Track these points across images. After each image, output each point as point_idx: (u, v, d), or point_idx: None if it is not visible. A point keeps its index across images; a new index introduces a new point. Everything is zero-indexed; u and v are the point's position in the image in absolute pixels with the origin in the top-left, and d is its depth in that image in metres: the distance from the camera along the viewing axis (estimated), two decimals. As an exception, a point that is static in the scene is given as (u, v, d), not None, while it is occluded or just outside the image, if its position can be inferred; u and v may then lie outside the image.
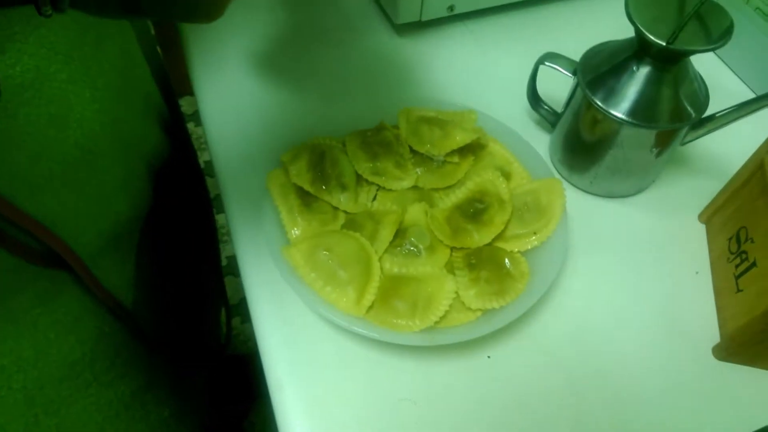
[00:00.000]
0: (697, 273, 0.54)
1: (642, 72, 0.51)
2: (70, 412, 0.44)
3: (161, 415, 0.56)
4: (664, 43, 0.46)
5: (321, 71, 0.68)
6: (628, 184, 0.58)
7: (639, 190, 0.59)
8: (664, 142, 0.53)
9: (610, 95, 0.52)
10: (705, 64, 0.64)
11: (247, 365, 1.30)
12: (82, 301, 0.42)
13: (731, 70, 0.70)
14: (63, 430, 0.44)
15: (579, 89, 0.54)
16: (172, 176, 0.54)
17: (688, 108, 0.51)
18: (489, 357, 0.48)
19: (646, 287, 0.53)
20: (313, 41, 0.71)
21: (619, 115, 0.51)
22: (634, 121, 0.51)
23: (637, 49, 0.50)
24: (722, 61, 0.71)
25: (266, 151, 0.58)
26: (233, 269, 1.51)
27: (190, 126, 1.80)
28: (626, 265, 0.54)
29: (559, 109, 0.60)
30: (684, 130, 0.53)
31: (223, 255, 1.51)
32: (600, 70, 0.53)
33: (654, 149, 0.54)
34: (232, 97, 0.65)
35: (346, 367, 0.48)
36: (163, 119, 0.53)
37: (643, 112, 0.51)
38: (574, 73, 0.55)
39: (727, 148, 0.60)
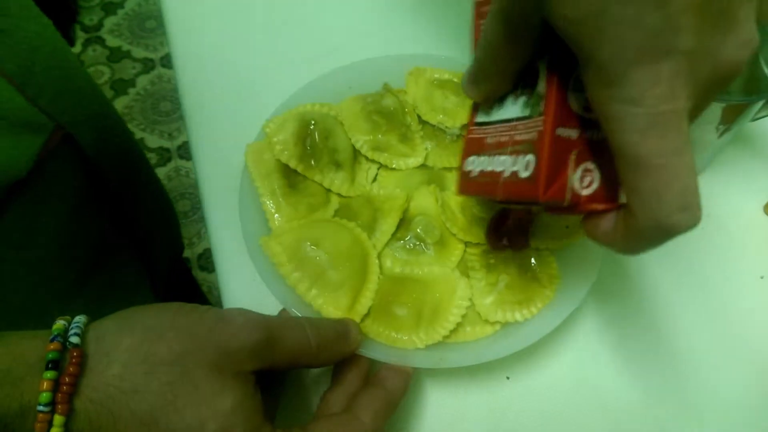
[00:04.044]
0: (762, 278, 0.45)
1: (712, 29, 0.40)
2: None
3: None
4: (750, -8, 0.36)
5: (314, 19, 0.58)
6: (681, 167, 0.48)
7: (692, 174, 0.50)
8: (733, 117, 0.43)
9: (670, 58, 0.42)
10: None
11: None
12: None
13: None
14: None
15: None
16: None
17: None
18: (508, 378, 0.40)
19: (700, 294, 0.44)
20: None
21: (680, 83, 0.41)
22: (698, 92, 0.41)
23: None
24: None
25: (248, 118, 0.49)
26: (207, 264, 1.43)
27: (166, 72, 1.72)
28: (675, 266, 0.45)
29: (599, 72, 0.50)
30: (760, 104, 0.43)
31: (200, 248, 1.44)
32: (657, 25, 0.43)
33: (720, 126, 0.44)
34: (209, 46, 0.55)
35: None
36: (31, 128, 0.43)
37: (709, 79, 0.41)
38: (624, 29, 0.45)
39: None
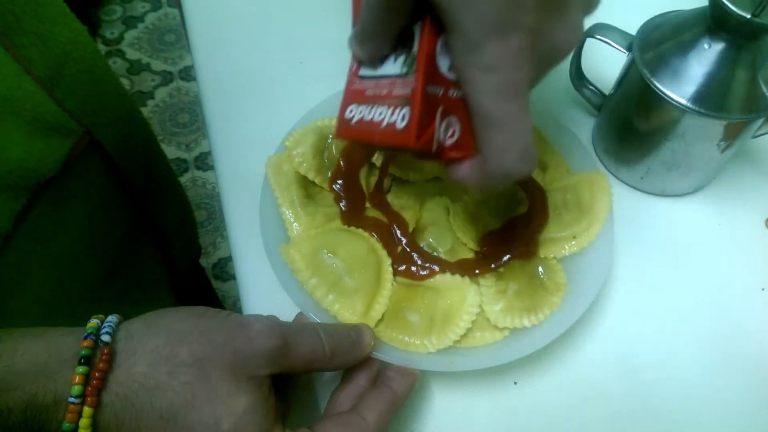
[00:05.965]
0: (763, 290, 0.46)
1: (714, 50, 0.42)
2: None
3: None
4: (749, 15, 0.38)
5: (333, 36, 0.60)
6: (686, 181, 0.50)
7: (697, 188, 0.51)
8: (733, 134, 0.45)
9: (673, 77, 0.44)
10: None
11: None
12: None
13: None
14: None
15: (634, 68, 0.46)
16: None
17: (767, 95, 0.43)
18: (516, 383, 0.42)
19: (703, 305, 0.45)
20: (327, 4, 0.63)
21: (683, 101, 0.43)
22: (701, 110, 0.43)
23: (710, 23, 0.42)
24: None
25: (268, 132, 0.51)
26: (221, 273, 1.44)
27: (184, 84, 1.75)
28: (679, 277, 0.47)
29: (606, 90, 0.52)
30: (759, 122, 0.45)
31: (215, 257, 1.45)
32: (661, 46, 0.45)
33: (721, 142, 0.45)
34: (231, 62, 0.58)
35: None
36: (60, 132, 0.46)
37: (712, 98, 0.43)
38: (629, 49, 0.47)
39: (804, 142, 0.52)
